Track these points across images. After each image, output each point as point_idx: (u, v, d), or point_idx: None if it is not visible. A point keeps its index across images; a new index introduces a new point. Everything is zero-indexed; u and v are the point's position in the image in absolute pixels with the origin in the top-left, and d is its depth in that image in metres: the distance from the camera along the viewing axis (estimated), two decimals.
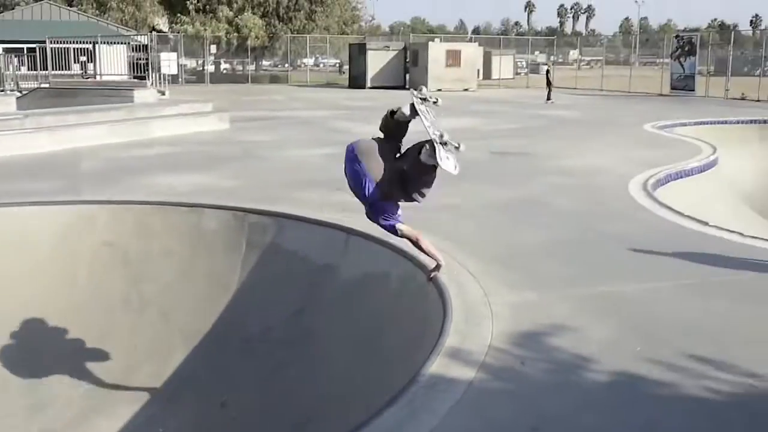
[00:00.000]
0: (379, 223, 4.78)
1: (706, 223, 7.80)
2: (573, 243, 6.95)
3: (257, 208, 8.29)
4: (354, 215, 7.95)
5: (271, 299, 7.51)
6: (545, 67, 34.22)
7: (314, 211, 8.13)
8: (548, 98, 28.38)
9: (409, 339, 5.53)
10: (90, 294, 7.81)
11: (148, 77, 33.51)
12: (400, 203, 4.73)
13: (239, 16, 43.08)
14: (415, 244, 4.88)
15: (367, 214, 4.82)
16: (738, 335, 4.70)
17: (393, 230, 4.77)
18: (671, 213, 8.40)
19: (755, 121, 20.63)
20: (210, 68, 45.76)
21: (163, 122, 16.51)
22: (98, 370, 7.15)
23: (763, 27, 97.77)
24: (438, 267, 4.98)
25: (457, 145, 4.41)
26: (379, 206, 4.67)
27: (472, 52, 37.69)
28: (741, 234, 7.39)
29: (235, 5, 43.35)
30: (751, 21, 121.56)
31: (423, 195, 4.63)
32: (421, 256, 6.11)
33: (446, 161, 4.35)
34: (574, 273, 5.92)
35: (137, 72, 35.30)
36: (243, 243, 8.05)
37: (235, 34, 43.18)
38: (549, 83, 29.40)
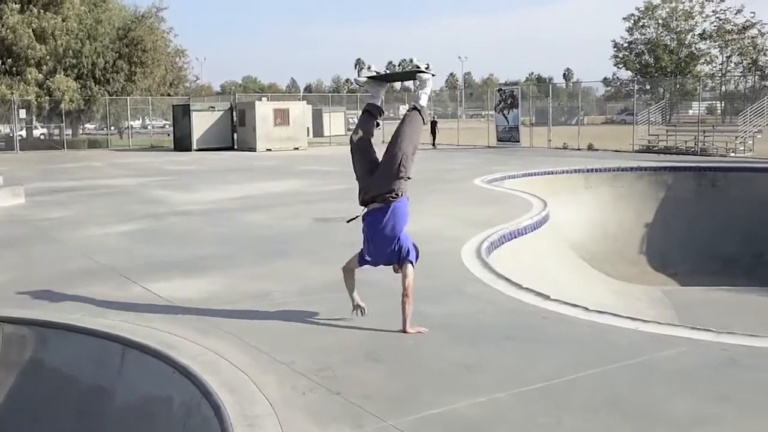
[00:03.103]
0: None
1: (547, 297, 6.97)
2: (398, 339, 5.80)
3: (13, 315, 6.59)
4: (139, 320, 6.44)
5: None
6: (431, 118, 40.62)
7: (90, 315, 6.56)
8: (433, 145, 34.85)
9: None
10: None
11: None
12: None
13: (50, 78, 39.99)
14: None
15: None
16: None
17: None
18: (509, 285, 7.55)
19: (579, 171, 21.02)
20: (22, 133, 42.20)
21: None
22: None
23: (575, 80, 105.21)
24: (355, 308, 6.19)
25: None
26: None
27: (300, 110, 37.02)
28: (585, 309, 6.60)
29: (45, 67, 40.22)
30: (564, 74, 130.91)
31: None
32: (204, 378, 4.84)
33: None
34: (396, 387, 4.74)
35: None
36: None
37: (47, 97, 40.01)
38: (435, 132, 35.64)
